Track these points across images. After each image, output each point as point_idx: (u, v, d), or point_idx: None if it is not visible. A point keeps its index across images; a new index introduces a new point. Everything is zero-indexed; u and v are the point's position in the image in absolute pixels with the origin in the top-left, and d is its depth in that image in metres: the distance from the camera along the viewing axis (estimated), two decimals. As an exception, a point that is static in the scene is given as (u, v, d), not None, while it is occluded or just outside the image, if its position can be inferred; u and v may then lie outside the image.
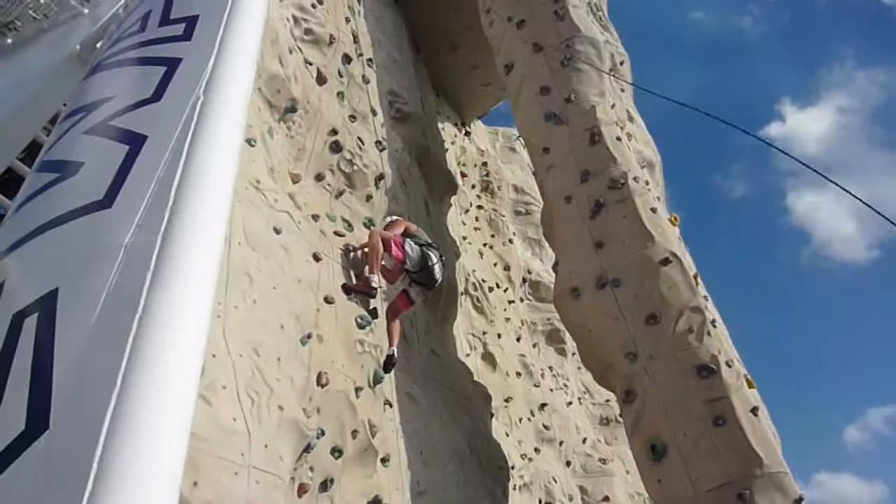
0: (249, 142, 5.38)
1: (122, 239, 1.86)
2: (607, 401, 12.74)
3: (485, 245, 12.83)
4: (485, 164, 14.71)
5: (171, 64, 2.61)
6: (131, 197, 2.02)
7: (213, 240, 1.86)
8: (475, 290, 11.14)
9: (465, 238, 11.92)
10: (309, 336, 4.87)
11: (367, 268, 6.01)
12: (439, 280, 6.37)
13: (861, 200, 4.41)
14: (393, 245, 6.04)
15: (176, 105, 2.33)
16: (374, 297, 6.00)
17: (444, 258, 6.53)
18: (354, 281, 5.93)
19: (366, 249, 6.14)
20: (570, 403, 12.30)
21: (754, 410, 5.74)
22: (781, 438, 5.94)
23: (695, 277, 6.59)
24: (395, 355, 5.84)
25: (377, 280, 5.96)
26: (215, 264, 1.83)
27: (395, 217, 6.89)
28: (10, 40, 7.80)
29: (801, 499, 5.38)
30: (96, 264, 1.82)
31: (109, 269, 1.78)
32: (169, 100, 2.41)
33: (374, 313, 6.01)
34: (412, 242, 6.28)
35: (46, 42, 7.72)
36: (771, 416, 6.00)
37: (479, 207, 13.57)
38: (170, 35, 2.85)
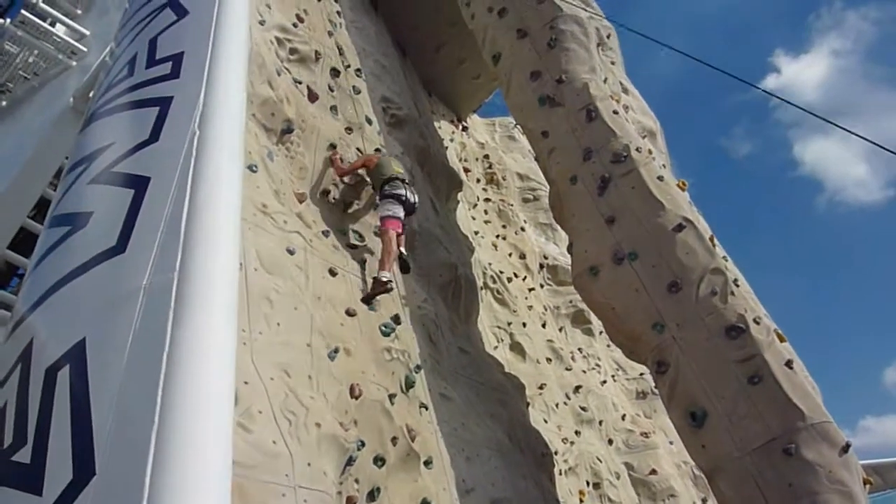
0: (251, 168, 5.42)
1: (141, 281, 1.89)
2: (641, 374, 12.69)
3: (497, 236, 12.82)
4: (486, 156, 14.70)
5: (164, 103, 2.64)
6: (143, 239, 2.06)
7: (228, 268, 1.89)
8: (494, 282, 11.14)
9: (476, 232, 11.92)
10: (336, 350, 4.90)
11: (379, 266, 6.14)
12: (414, 203, 6.82)
13: (869, 140, 4.37)
14: (390, 225, 6.41)
15: (174, 143, 2.36)
16: (390, 290, 6.14)
17: (406, 181, 6.90)
18: (370, 288, 5.98)
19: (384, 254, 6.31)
20: (605, 382, 12.27)
21: (789, 364, 5.70)
22: (821, 389, 5.90)
23: (711, 239, 6.55)
24: (408, 256, 6.51)
25: (389, 275, 6.08)
26: (234, 292, 1.86)
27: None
28: (4, 103, 7.93)
29: (848, 445, 5.33)
30: (119, 309, 1.86)
31: (132, 313, 1.82)
32: (166, 139, 2.45)
33: (396, 319, 6.04)
34: (385, 203, 6.60)
35: (40, 99, 7.84)
36: (807, 368, 5.96)
37: (487, 200, 13.55)
38: (158, 75, 2.89)
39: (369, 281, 6.06)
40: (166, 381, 1.60)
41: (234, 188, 2.16)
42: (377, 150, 7.41)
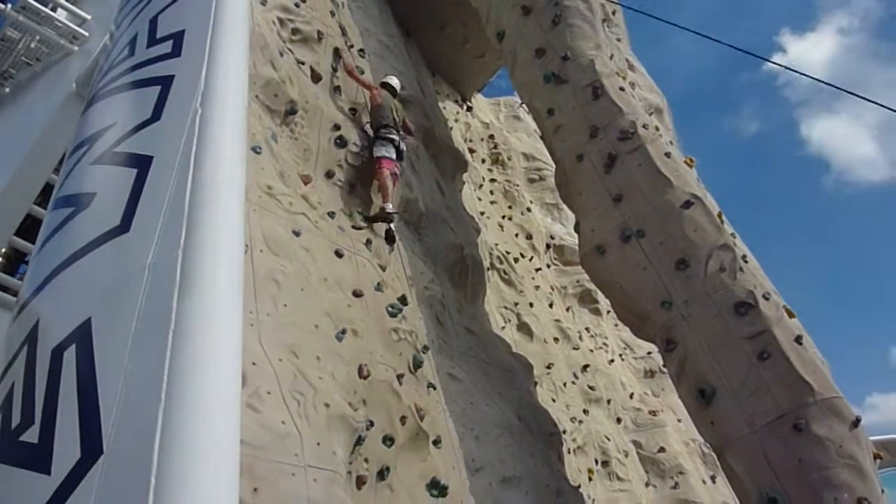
0: (255, 149, 5.39)
1: (145, 260, 1.88)
2: (649, 353, 12.70)
3: (503, 217, 12.78)
4: (491, 136, 14.61)
5: (165, 82, 2.62)
6: (147, 218, 2.04)
7: (232, 246, 1.87)
8: (500, 262, 11.12)
9: (482, 213, 11.88)
10: (343, 331, 4.90)
11: (382, 199, 6.65)
12: (403, 149, 7.31)
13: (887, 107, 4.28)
14: (386, 164, 6.89)
15: (176, 121, 2.34)
16: (392, 220, 6.64)
17: (398, 128, 7.37)
18: (373, 214, 6.57)
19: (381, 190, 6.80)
20: (612, 361, 12.28)
21: (798, 339, 5.67)
22: (828, 365, 5.86)
23: (719, 216, 6.50)
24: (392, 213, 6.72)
25: (392, 207, 6.62)
26: (238, 270, 1.84)
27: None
28: (7, 89, 7.90)
29: (858, 420, 5.32)
30: (124, 288, 1.85)
31: (137, 291, 1.81)
32: (168, 117, 2.42)
33: (403, 300, 6.03)
34: (380, 143, 7.07)
35: (43, 85, 7.82)
36: (815, 345, 5.93)
37: (493, 181, 13.50)
38: (159, 54, 2.86)
39: (373, 265, 6.05)
40: (172, 360, 1.59)
41: (237, 164, 2.14)
42: (383, 83, 7.94)
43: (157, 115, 2.48)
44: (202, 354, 1.58)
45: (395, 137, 7.16)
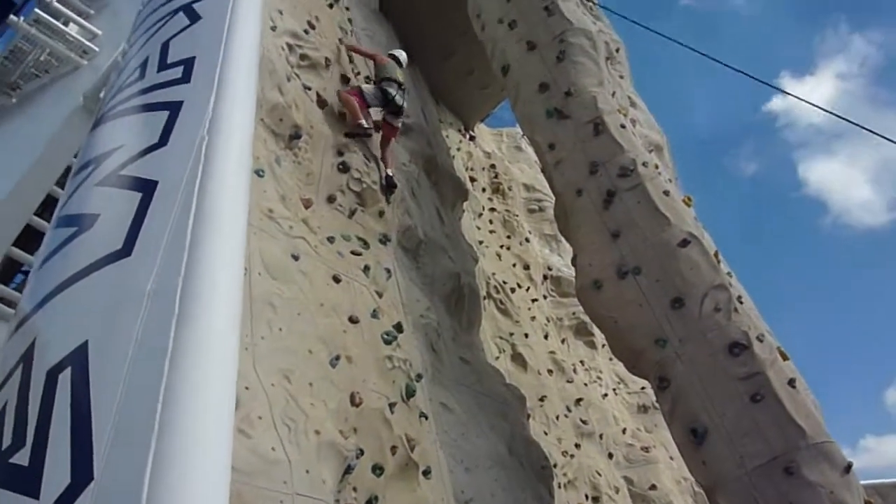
0: (258, 172, 5.43)
1: (145, 285, 1.89)
2: (643, 388, 12.65)
3: (502, 247, 12.82)
4: (492, 166, 14.71)
5: (174, 108, 2.64)
6: (149, 243, 2.05)
7: (233, 276, 1.88)
8: (497, 292, 11.12)
9: (481, 242, 11.92)
10: (337, 358, 4.90)
11: (354, 119, 7.07)
12: (402, 105, 7.68)
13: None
14: (354, 97, 7.25)
15: (183, 148, 2.36)
16: (371, 134, 7.26)
17: (403, 87, 7.84)
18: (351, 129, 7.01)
19: (347, 110, 7.25)
20: (606, 395, 12.23)
21: (791, 382, 5.68)
22: (821, 407, 5.87)
23: (715, 255, 6.54)
24: (393, 176, 7.28)
25: (368, 121, 7.13)
26: (238, 300, 1.86)
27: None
28: (14, 99, 7.96)
29: (849, 466, 5.31)
30: (122, 313, 1.85)
31: (136, 317, 1.81)
32: (175, 143, 2.45)
33: (399, 327, 6.03)
34: (368, 86, 7.61)
35: (50, 97, 7.87)
36: (809, 386, 5.94)
37: (492, 210, 13.56)
38: (169, 79, 2.89)
39: (367, 290, 6.06)
40: (167, 389, 1.60)
41: (242, 195, 2.16)
42: (390, 54, 8.40)
43: (164, 140, 2.50)
44: (198, 385, 1.59)
45: (392, 91, 7.52)
